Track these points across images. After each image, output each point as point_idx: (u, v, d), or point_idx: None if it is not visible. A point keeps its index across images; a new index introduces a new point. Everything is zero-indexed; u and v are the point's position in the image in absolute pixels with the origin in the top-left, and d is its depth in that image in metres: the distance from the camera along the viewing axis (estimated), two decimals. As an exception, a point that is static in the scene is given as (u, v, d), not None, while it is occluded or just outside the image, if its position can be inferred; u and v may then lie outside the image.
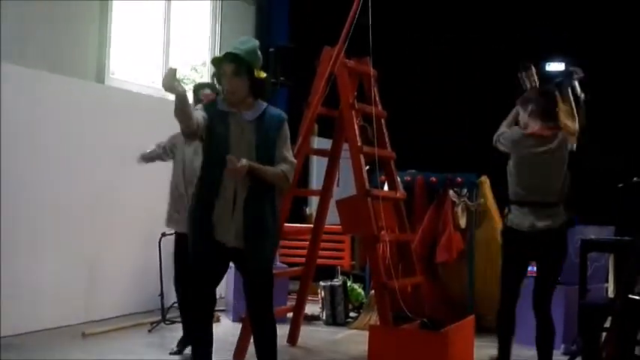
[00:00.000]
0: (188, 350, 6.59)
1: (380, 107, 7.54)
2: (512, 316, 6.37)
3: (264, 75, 5.33)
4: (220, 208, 5.19)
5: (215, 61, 5.37)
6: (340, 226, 7.41)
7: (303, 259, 7.92)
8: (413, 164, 9.26)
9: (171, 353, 6.95)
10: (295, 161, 5.44)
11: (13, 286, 7.53)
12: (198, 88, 7.16)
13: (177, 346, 7.13)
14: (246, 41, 5.36)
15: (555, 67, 14.98)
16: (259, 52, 5.33)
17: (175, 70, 5.03)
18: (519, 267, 6.33)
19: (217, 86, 5.47)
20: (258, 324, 5.38)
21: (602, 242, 7.18)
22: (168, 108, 9.60)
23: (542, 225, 6.08)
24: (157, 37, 10.18)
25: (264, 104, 5.37)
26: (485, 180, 8.92)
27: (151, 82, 10.09)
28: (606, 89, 13.47)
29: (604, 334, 6.18)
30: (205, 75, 11.27)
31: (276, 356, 5.46)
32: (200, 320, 5.43)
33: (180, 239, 6.88)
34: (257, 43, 5.38)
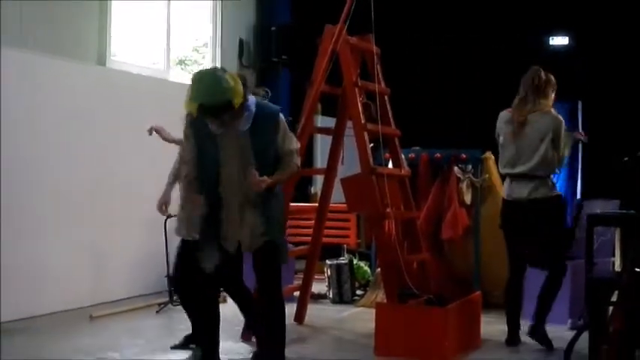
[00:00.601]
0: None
1: (383, 84, 7.51)
2: (520, 288, 6.94)
3: (241, 94, 5.04)
4: (227, 223, 5.22)
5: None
6: (345, 205, 7.41)
7: (308, 239, 7.92)
8: (417, 141, 9.24)
9: (172, 347, 6.63)
10: (298, 146, 5.40)
11: (20, 270, 7.54)
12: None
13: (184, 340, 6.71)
14: (214, 83, 5.02)
15: (559, 41, 14.96)
16: (229, 79, 5.01)
17: None
18: (516, 237, 6.87)
19: None
20: (268, 303, 5.39)
21: (607, 216, 7.16)
22: (170, 90, 9.68)
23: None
24: (158, 19, 10.13)
25: (252, 104, 5.18)
26: (489, 156, 8.89)
27: (152, 64, 10.07)
28: (611, 61, 13.44)
29: (611, 308, 6.18)
30: (207, 56, 11.24)
31: (284, 335, 5.48)
32: (206, 302, 5.44)
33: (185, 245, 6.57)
34: (220, 69, 5.26)
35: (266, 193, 5.15)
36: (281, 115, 5.30)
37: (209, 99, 4.92)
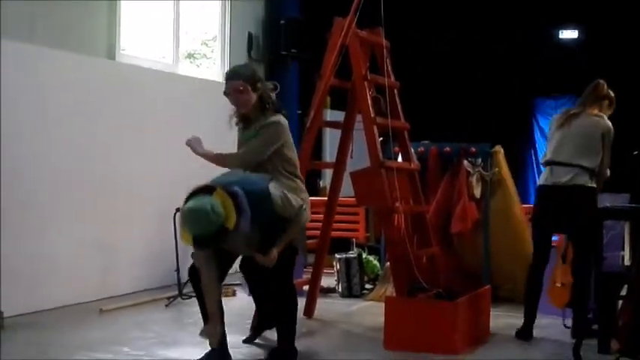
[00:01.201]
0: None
1: (392, 78, 7.50)
2: (540, 278, 7.00)
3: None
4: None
5: None
6: (354, 199, 7.40)
7: (317, 232, 7.92)
8: (427, 135, 9.24)
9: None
10: (298, 205, 5.60)
11: (28, 264, 7.56)
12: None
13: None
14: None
15: (568, 34, 14.92)
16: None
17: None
18: (546, 223, 6.97)
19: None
20: (282, 299, 5.43)
21: (617, 210, 7.14)
22: (179, 83, 9.68)
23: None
24: (167, 12, 10.13)
25: (246, 208, 5.21)
26: (499, 149, 8.87)
27: (161, 58, 10.07)
28: (620, 55, 13.41)
29: (620, 302, 6.17)
30: (216, 50, 11.24)
31: (294, 328, 5.51)
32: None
33: None
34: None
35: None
36: (271, 189, 5.46)
37: (202, 231, 5.05)
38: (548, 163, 6.99)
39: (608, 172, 7.00)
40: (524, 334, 6.94)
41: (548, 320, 7.23)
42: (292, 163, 5.77)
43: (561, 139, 6.93)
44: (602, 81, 7.08)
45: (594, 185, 6.83)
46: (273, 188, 5.39)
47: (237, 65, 6.03)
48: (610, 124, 6.92)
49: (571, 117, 6.97)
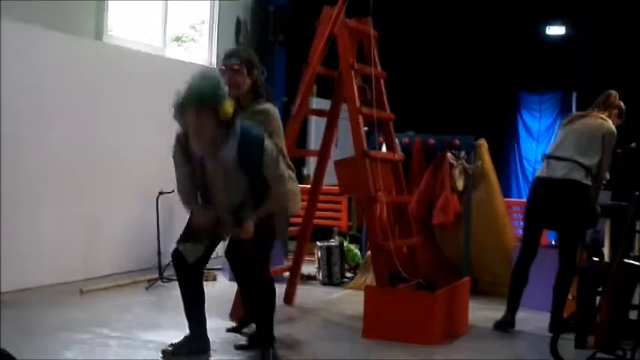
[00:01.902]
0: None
1: (379, 68, 7.51)
2: (527, 270, 7.04)
3: (230, 112, 5.10)
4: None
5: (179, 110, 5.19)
6: (338, 187, 7.42)
7: (300, 220, 7.93)
8: (411, 126, 9.26)
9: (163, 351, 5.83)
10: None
11: (10, 243, 7.54)
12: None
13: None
14: (201, 87, 5.09)
15: (555, 30, 14.96)
16: (219, 86, 5.13)
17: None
18: (538, 216, 7.03)
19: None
20: (255, 282, 5.43)
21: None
22: (166, 66, 9.66)
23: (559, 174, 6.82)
24: (156, -5, 10.12)
25: (237, 131, 5.18)
26: (483, 142, 8.91)
27: (149, 40, 10.05)
28: (607, 51, 13.46)
29: (599, 298, 6.22)
30: (205, 33, 11.22)
31: (272, 315, 5.51)
32: (191, 280, 5.47)
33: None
34: (215, 81, 5.20)
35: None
36: (267, 141, 5.32)
37: (206, 91, 5.00)
38: (545, 157, 7.08)
39: (608, 175, 7.08)
40: (504, 325, 6.98)
41: (527, 314, 7.27)
42: (283, 153, 5.77)
43: (564, 136, 7.03)
44: (614, 91, 7.15)
45: (589, 183, 6.81)
46: (268, 141, 5.33)
47: (238, 47, 6.03)
48: (614, 127, 6.96)
49: (576, 118, 7.12)
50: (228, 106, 5.03)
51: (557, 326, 6.49)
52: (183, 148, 5.26)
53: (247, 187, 5.22)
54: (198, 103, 4.97)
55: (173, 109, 5.10)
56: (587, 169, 6.80)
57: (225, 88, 5.10)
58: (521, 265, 7.08)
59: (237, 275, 5.98)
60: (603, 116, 6.99)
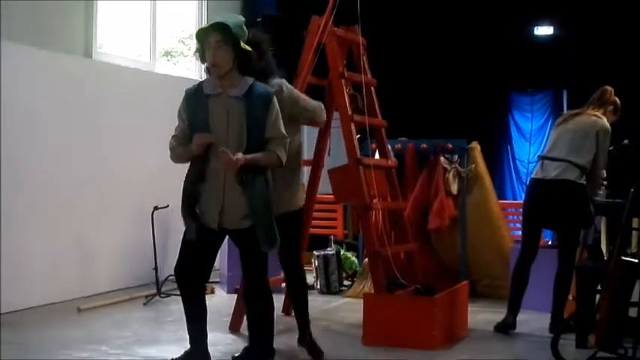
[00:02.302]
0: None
1: (369, 75, 7.52)
2: (527, 271, 7.07)
3: (249, 49, 5.24)
4: (208, 195, 5.16)
5: (200, 33, 5.29)
6: (332, 196, 7.42)
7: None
8: (403, 132, 9.26)
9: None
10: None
11: (6, 263, 7.52)
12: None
13: None
14: (233, 16, 5.31)
15: (544, 30, 14.99)
16: (245, 28, 5.26)
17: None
18: (536, 217, 7.09)
19: (199, 62, 5.45)
20: (256, 297, 5.39)
21: (594, 205, 7.19)
22: (156, 81, 9.65)
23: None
24: (144, 10, 10.11)
25: (251, 80, 5.26)
26: (475, 146, 8.93)
27: (138, 56, 10.05)
28: (595, 50, 13.48)
29: (598, 296, 6.22)
30: (193, 47, 11.17)
31: (272, 326, 5.49)
32: (192, 294, 5.43)
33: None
34: (243, 19, 5.32)
35: (251, 173, 5.12)
36: (275, 99, 5.29)
37: (225, 20, 5.17)
38: (540, 158, 7.13)
39: (604, 172, 7.10)
40: (505, 327, 6.99)
41: (527, 315, 7.27)
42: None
43: (557, 136, 7.06)
44: (609, 87, 7.17)
45: (584, 182, 6.84)
46: (276, 101, 5.30)
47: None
48: (607, 124, 6.97)
49: (570, 116, 7.12)
50: (248, 47, 5.19)
51: (558, 326, 6.50)
52: (190, 98, 5.28)
53: (246, 138, 5.16)
54: (224, 27, 5.14)
55: (196, 34, 5.32)
56: (582, 168, 6.83)
57: (245, 30, 5.26)
58: (522, 266, 7.10)
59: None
60: (598, 113, 7.00)
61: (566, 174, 6.82)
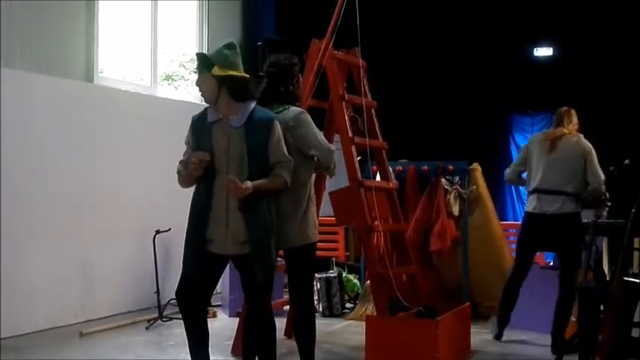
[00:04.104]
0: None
1: (370, 98, 7.53)
2: (518, 289, 7.38)
3: (240, 75, 5.21)
4: (214, 220, 5.14)
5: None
6: (334, 218, 7.41)
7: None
8: (404, 154, 9.27)
9: None
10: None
11: (8, 287, 7.52)
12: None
13: None
14: (228, 45, 5.29)
15: (543, 52, 15.04)
16: (229, 52, 5.21)
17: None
18: (534, 248, 7.50)
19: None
20: (259, 322, 5.38)
21: (595, 226, 7.18)
22: (157, 105, 9.67)
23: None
24: (145, 34, 10.15)
25: (251, 106, 5.24)
26: (476, 167, 8.93)
27: (139, 80, 10.08)
28: (595, 71, 13.52)
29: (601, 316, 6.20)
30: (194, 72, 11.23)
31: (274, 351, 5.48)
32: (194, 318, 5.41)
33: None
34: (231, 42, 5.29)
35: (254, 199, 5.10)
36: (276, 122, 5.29)
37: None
38: (535, 191, 7.22)
39: (603, 187, 7.17)
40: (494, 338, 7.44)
41: (529, 336, 7.26)
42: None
43: (546, 166, 7.19)
44: (566, 107, 7.45)
45: (579, 210, 7.11)
46: (278, 126, 5.29)
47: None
48: (589, 144, 7.20)
49: (555, 141, 7.23)
50: (240, 72, 5.20)
51: (560, 347, 6.56)
52: (196, 124, 5.28)
53: (247, 164, 5.15)
54: (201, 56, 5.32)
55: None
56: (577, 196, 7.08)
57: (231, 53, 5.21)
58: (513, 284, 7.39)
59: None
60: (574, 132, 7.28)
61: (565, 207, 7.05)
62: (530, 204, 7.28)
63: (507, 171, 7.74)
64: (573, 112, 7.40)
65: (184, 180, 5.27)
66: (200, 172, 5.12)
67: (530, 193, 7.31)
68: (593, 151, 7.15)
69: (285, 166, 5.26)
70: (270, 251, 5.22)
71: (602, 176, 7.12)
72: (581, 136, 7.24)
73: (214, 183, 5.14)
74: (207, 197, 5.16)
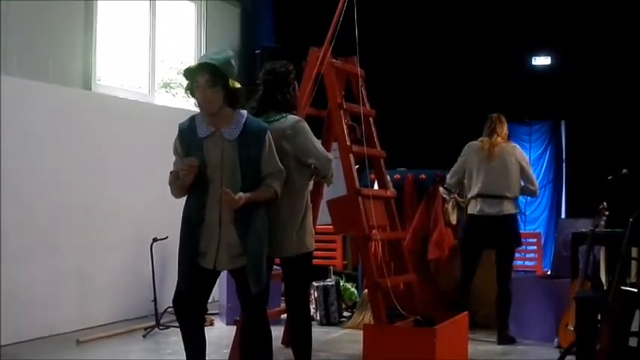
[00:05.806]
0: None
1: (368, 106, 7.54)
2: (469, 287, 8.07)
3: (238, 86, 5.19)
4: (206, 235, 5.11)
5: (188, 72, 5.18)
6: (332, 226, 7.41)
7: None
8: (402, 162, 9.27)
9: None
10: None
11: (5, 296, 7.51)
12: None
13: None
14: (220, 51, 5.22)
15: (541, 61, 15.05)
16: (233, 62, 5.18)
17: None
18: (479, 248, 8.05)
19: (191, 98, 5.35)
20: (255, 330, 5.37)
21: (594, 235, 7.18)
22: (155, 113, 9.68)
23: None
24: (143, 42, 10.16)
25: (244, 115, 5.21)
26: (474, 176, 8.94)
27: (137, 88, 10.08)
28: (593, 81, 13.52)
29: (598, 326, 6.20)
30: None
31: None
32: (191, 327, 5.40)
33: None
34: (231, 53, 5.24)
35: (247, 210, 5.08)
36: (269, 133, 5.26)
37: (213, 58, 5.08)
38: (478, 196, 7.88)
39: (538, 189, 8.29)
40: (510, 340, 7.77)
41: (527, 346, 7.26)
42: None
43: (486, 174, 7.88)
44: (495, 114, 8.20)
45: (517, 211, 8.03)
46: (269, 137, 5.25)
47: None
48: (523, 152, 8.27)
49: (492, 149, 7.94)
50: (237, 83, 5.13)
51: (502, 338, 7.63)
52: (184, 133, 5.22)
53: (240, 176, 5.11)
54: (213, 67, 5.05)
55: (184, 72, 5.17)
56: (515, 199, 7.94)
57: (235, 65, 5.15)
58: (464, 284, 8.02)
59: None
60: (505, 139, 8.04)
61: (505, 209, 7.83)
62: (474, 207, 7.90)
63: (448, 177, 8.28)
64: (504, 118, 8.11)
65: (176, 189, 5.24)
66: (191, 179, 5.08)
67: (473, 197, 7.91)
68: (524, 155, 8.16)
69: (276, 177, 5.25)
70: (263, 264, 5.18)
71: (537, 182, 8.22)
72: (517, 146, 8.19)
73: (207, 195, 5.10)
74: (199, 210, 5.12)
